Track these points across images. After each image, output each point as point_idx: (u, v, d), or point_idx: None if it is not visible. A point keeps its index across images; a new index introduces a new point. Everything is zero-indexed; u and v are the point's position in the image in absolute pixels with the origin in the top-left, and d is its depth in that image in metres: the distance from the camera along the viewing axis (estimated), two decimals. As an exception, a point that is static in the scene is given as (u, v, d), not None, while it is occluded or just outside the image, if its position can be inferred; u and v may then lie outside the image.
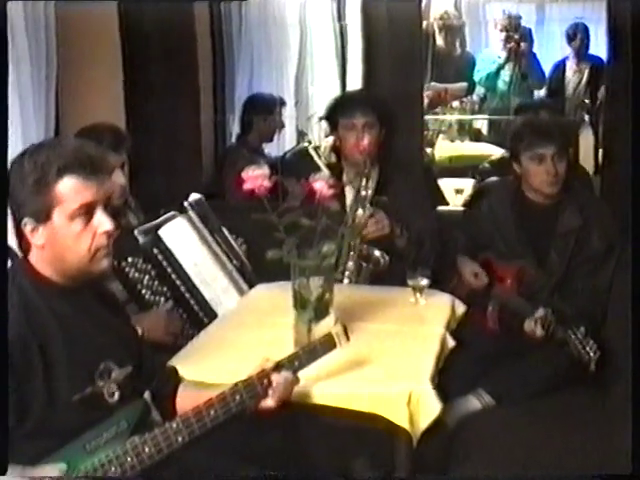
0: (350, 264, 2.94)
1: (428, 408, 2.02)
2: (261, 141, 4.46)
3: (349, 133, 3.13)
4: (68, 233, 1.69)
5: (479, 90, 6.37)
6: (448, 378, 2.32)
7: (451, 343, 2.39)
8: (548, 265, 2.96)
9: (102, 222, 1.72)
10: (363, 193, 2.99)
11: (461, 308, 2.65)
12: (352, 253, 2.94)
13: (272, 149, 4.66)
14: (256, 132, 4.41)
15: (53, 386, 1.66)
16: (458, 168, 5.34)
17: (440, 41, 6.57)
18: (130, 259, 2.60)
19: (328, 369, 2.04)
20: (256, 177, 2.14)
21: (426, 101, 5.56)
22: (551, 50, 7.20)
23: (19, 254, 1.81)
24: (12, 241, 1.83)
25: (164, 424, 1.74)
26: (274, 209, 2.16)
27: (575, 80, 6.08)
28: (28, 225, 1.69)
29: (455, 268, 3.03)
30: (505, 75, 6.18)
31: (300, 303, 2.19)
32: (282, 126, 4.62)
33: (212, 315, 2.68)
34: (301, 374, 1.92)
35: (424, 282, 2.60)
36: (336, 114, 3.23)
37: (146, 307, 2.61)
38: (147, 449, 1.68)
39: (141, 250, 2.63)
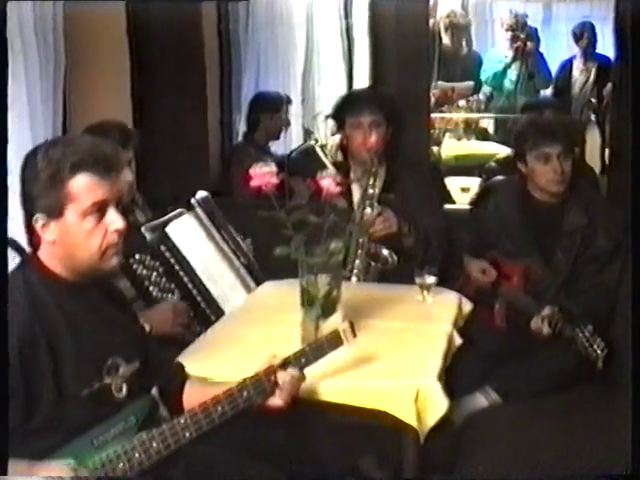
0: (358, 262, 2.94)
1: (435, 405, 2.02)
2: (268, 139, 4.46)
3: (356, 131, 3.13)
4: (80, 230, 1.70)
5: (485, 89, 6.37)
6: (455, 376, 2.33)
7: (458, 341, 2.40)
8: (554, 263, 2.96)
9: (114, 220, 1.72)
10: (370, 191, 2.99)
11: (468, 306, 2.66)
12: (360, 252, 2.94)
13: (279, 147, 4.66)
14: (263, 130, 4.41)
15: (61, 382, 1.67)
16: (464, 167, 5.33)
17: (446, 40, 6.56)
18: (138, 256, 2.61)
19: (335, 366, 2.04)
20: (264, 174, 2.14)
21: (433, 100, 5.55)
22: (558, 49, 7.19)
23: (28, 250, 1.82)
24: (22, 236, 1.84)
25: (172, 420, 1.75)
26: (281, 207, 2.16)
27: (582, 79, 6.07)
28: (40, 220, 1.70)
29: (462, 266, 3.04)
30: (512, 74, 6.18)
31: (308, 300, 2.19)
32: (288, 124, 4.62)
33: (219, 312, 2.69)
34: (308, 371, 1.92)
35: (431, 280, 2.60)
36: (343, 112, 3.23)
37: (153, 304, 2.61)
38: (155, 445, 1.69)
39: (149, 247, 2.64)
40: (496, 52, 6.51)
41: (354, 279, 2.92)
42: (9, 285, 1.73)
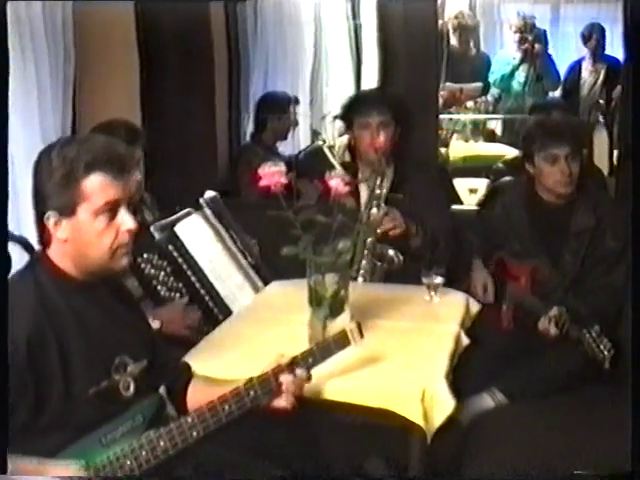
0: (364, 263, 2.95)
1: (442, 405, 2.02)
2: (275, 139, 4.47)
3: (364, 132, 3.14)
4: (91, 229, 1.71)
5: (494, 90, 6.37)
6: (462, 376, 2.33)
7: (465, 341, 2.40)
8: (562, 264, 2.96)
9: (125, 220, 1.73)
10: (377, 192, 3.00)
11: (475, 306, 2.66)
12: (366, 252, 2.95)
13: (286, 148, 4.67)
14: (270, 130, 4.42)
15: (70, 380, 1.67)
16: (472, 168, 5.32)
17: (454, 41, 6.56)
18: (146, 255, 2.62)
19: (342, 366, 2.04)
20: (272, 174, 2.15)
21: (441, 101, 5.55)
22: (566, 51, 7.18)
23: (37, 248, 1.83)
24: (32, 234, 1.85)
25: (179, 419, 1.76)
26: (289, 206, 2.16)
27: (591, 81, 6.06)
28: (51, 218, 1.70)
29: (470, 268, 3.03)
30: (520, 76, 6.17)
31: (315, 300, 2.20)
32: (296, 124, 4.63)
33: (227, 312, 2.70)
34: (315, 371, 1.92)
35: (439, 280, 2.61)
36: (351, 113, 3.23)
37: (161, 303, 2.63)
38: (162, 443, 1.69)
39: (157, 246, 2.65)
40: (504, 54, 6.50)
41: (360, 279, 2.93)
42: (18, 283, 1.75)
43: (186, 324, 2.56)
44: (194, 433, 1.73)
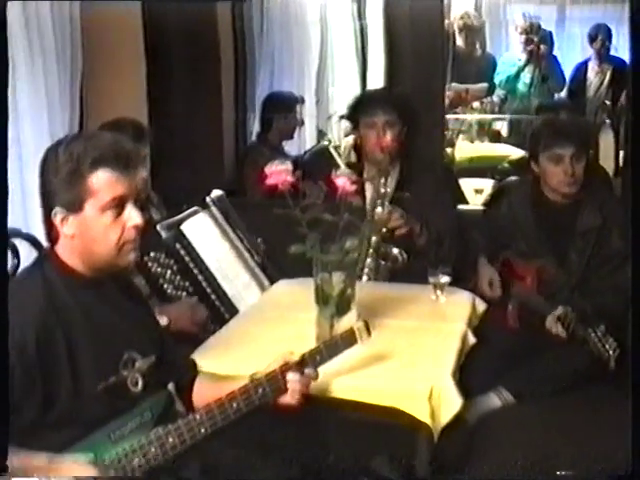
0: (369, 261, 2.95)
1: (449, 403, 2.03)
2: (281, 139, 4.47)
3: (370, 131, 3.14)
4: (98, 225, 1.71)
5: (499, 91, 6.37)
6: (468, 375, 2.33)
7: (472, 340, 2.40)
8: (568, 264, 2.96)
9: (132, 216, 1.73)
10: (382, 190, 3.00)
11: (482, 306, 2.67)
12: (371, 251, 2.95)
13: (292, 148, 4.68)
14: (276, 130, 4.42)
15: (78, 375, 1.68)
16: (477, 168, 5.32)
17: (460, 42, 6.56)
18: (153, 254, 2.63)
19: (350, 364, 2.05)
20: (279, 172, 2.15)
21: (446, 101, 5.55)
22: (572, 52, 7.18)
23: (45, 245, 1.83)
24: (40, 232, 1.85)
25: (187, 415, 1.76)
26: (296, 205, 2.17)
27: (597, 82, 6.06)
28: (59, 214, 1.71)
29: (476, 267, 3.04)
30: (525, 77, 6.17)
31: (322, 298, 2.20)
32: (302, 124, 4.63)
33: (233, 310, 2.70)
34: (323, 369, 1.92)
35: (445, 279, 2.61)
36: (357, 112, 3.24)
37: (168, 301, 2.63)
38: (171, 439, 1.70)
39: (164, 245, 2.65)
40: (510, 55, 6.51)
41: (365, 278, 2.93)
42: (26, 280, 1.76)
43: (193, 322, 2.56)
44: (202, 430, 1.74)
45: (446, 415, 2.03)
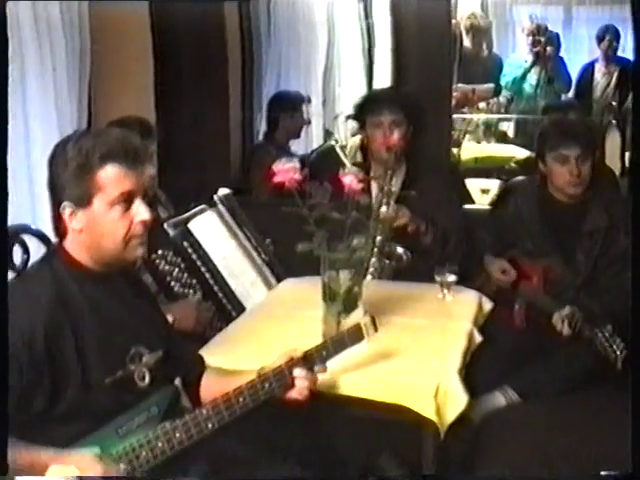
0: (374, 260, 2.95)
1: (455, 400, 2.03)
2: (288, 138, 4.48)
3: (376, 130, 3.15)
4: (106, 220, 1.72)
5: (506, 92, 6.37)
6: (474, 374, 2.33)
7: (478, 338, 2.41)
8: (574, 264, 2.96)
9: (140, 211, 1.74)
10: (386, 188, 3.00)
11: (488, 305, 2.67)
12: (375, 250, 2.95)
13: (299, 147, 4.69)
14: (283, 129, 4.43)
15: (86, 369, 1.69)
16: (483, 169, 5.33)
17: (467, 42, 6.56)
18: (160, 252, 2.63)
19: (356, 361, 2.06)
20: (287, 170, 2.16)
21: (453, 102, 5.55)
22: (579, 53, 7.18)
23: (53, 240, 1.84)
24: (48, 227, 1.87)
25: (194, 410, 1.77)
26: (303, 203, 2.17)
27: (604, 82, 6.05)
28: (67, 209, 1.72)
29: (482, 266, 3.04)
30: (531, 79, 6.18)
31: (329, 296, 2.21)
32: (309, 123, 4.64)
33: (240, 308, 2.71)
34: (329, 365, 1.93)
35: (451, 278, 2.62)
36: (364, 112, 3.25)
37: (175, 299, 2.64)
38: (178, 434, 1.71)
39: (171, 243, 2.66)
40: (516, 57, 6.52)
41: (369, 277, 2.93)
42: (35, 274, 1.78)
43: (198, 321, 2.57)
44: (209, 425, 1.74)
45: (452, 413, 2.03)
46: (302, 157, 4.28)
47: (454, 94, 5.63)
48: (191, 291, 2.69)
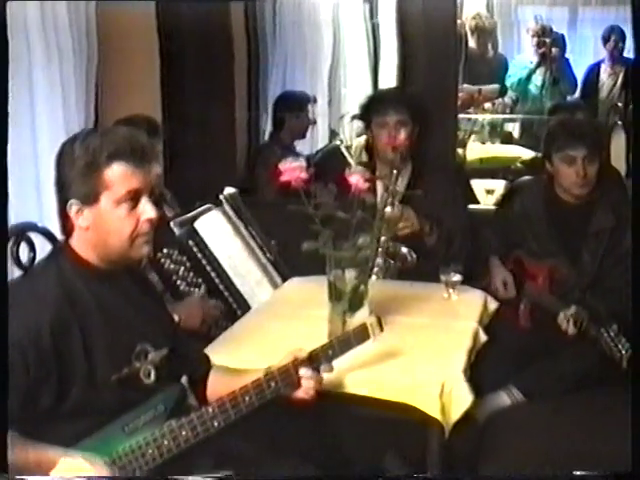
0: (379, 260, 2.95)
1: (460, 399, 2.04)
2: (293, 138, 4.48)
3: (382, 131, 3.15)
4: (113, 217, 1.73)
5: (511, 92, 6.37)
6: (479, 373, 2.33)
7: (483, 338, 2.41)
8: (580, 264, 2.96)
9: (147, 210, 1.75)
10: (391, 188, 3.00)
11: (493, 304, 2.67)
12: (380, 250, 2.96)
13: (304, 147, 4.69)
14: (288, 129, 4.44)
15: (92, 366, 1.70)
16: (489, 169, 5.33)
17: (472, 43, 6.56)
18: (166, 250, 2.64)
19: (362, 360, 2.06)
20: (294, 169, 2.16)
21: (459, 102, 5.55)
22: (585, 53, 7.17)
23: (60, 238, 1.85)
24: (54, 224, 1.87)
25: (200, 409, 1.77)
26: (309, 202, 2.18)
27: (610, 83, 6.05)
28: (74, 206, 1.72)
29: (487, 266, 3.04)
30: (536, 80, 6.18)
31: (335, 295, 2.21)
32: (314, 123, 4.65)
33: (246, 307, 2.72)
34: (335, 364, 1.93)
35: (456, 278, 2.62)
36: (369, 112, 3.25)
37: (181, 298, 2.65)
38: (184, 432, 1.71)
39: (177, 242, 2.67)
40: (521, 58, 6.52)
41: (374, 277, 2.93)
42: (41, 272, 1.78)
43: (204, 320, 2.57)
44: (215, 423, 1.74)
45: (457, 411, 2.04)
46: (307, 157, 4.29)
47: (459, 94, 5.64)
48: (196, 290, 2.70)
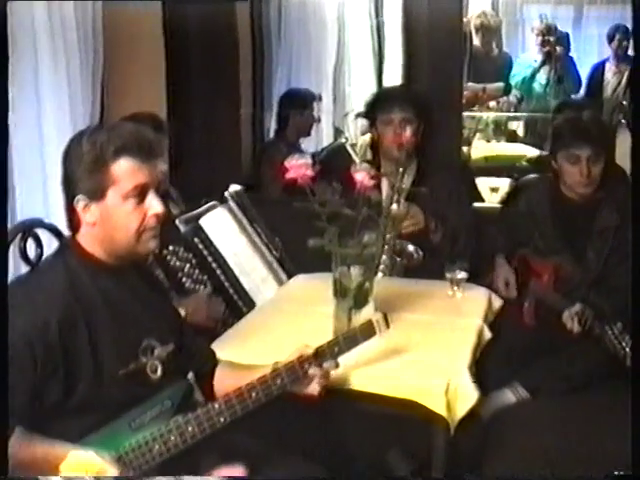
0: (384, 258, 2.96)
1: (465, 396, 2.04)
2: (298, 136, 4.49)
3: (387, 128, 3.16)
4: (120, 212, 1.73)
5: (515, 91, 6.37)
6: (484, 371, 2.34)
7: (488, 335, 2.41)
8: (585, 262, 2.96)
9: (153, 205, 1.75)
10: (397, 185, 3.01)
11: (498, 302, 2.68)
12: (386, 247, 2.96)
13: (309, 145, 4.70)
14: (293, 127, 4.44)
15: (99, 362, 1.70)
16: (493, 167, 5.33)
17: (477, 41, 6.56)
18: (171, 248, 2.64)
19: (367, 357, 2.06)
20: (300, 166, 2.16)
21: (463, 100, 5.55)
22: (589, 52, 7.16)
23: (66, 233, 1.86)
24: (60, 221, 1.88)
25: (207, 404, 1.78)
26: (314, 199, 2.18)
27: (614, 82, 6.05)
28: (81, 202, 1.73)
29: (492, 264, 3.05)
30: (541, 78, 6.18)
31: (340, 292, 2.21)
32: (319, 121, 4.66)
33: (251, 304, 2.72)
34: (341, 361, 1.93)
35: (461, 275, 2.62)
36: (374, 110, 3.25)
37: (186, 295, 2.65)
38: (190, 428, 1.72)
39: (182, 239, 2.67)
40: (525, 57, 6.51)
41: (380, 274, 2.94)
42: (49, 268, 1.79)
43: (209, 316, 2.58)
44: (221, 419, 1.75)
45: (462, 408, 2.04)
46: (313, 154, 4.29)
47: (464, 93, 5.63)
48: (202, 287, 2.70)
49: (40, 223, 2.09)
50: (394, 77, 5.21)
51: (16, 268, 2.12)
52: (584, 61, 6.63)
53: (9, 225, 2.20)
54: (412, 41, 4.36)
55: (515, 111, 6.38)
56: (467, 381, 2.06)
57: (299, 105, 4.45)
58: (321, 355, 1.89)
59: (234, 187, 2.92)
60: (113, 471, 1.57)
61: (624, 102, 5.93)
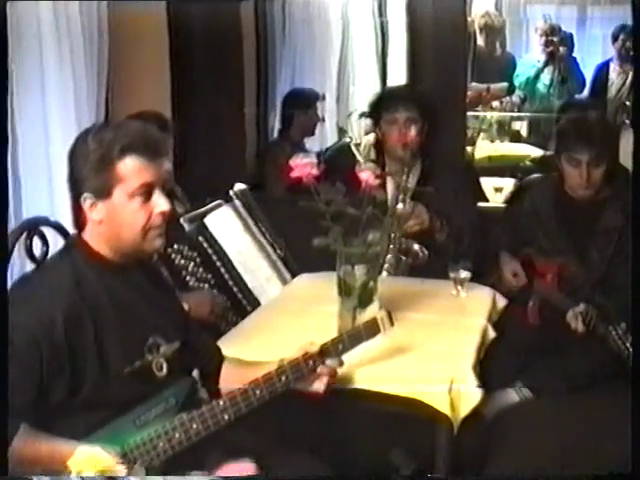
0: (390, 257, 2.96)
1: (469, 395, 2.05)
2: (302, 135, 4.50)
3: (391, 128, 3.16)
4: (126, 211, 1.74)
5: (519, 91, 6.37)
6: (488, 371, 2.34)
7: (492, 334, 2.41)
8: (589, 262, 2.96)
9: (160, 203, 1.76)
10: (402, 185, 3.01)
11: (502, 302, 2.68)
12: (392, 246, 2.96)
13: (313, 144, 4.70)
14: (297, 126, 4.45)
15: (105, 359, 1.71)
16: (497, 167, 5.33)
17: (481, 41, 6.55)
18: (176, 246, 2.66)
19: (371, 355, 2.07)
20: (304, 165, 2.17)
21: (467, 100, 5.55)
22: (593, 52, 7.15)
23: (72, 231, 1.86)
24: (66, 218, 1.89)
25: (211, 402, 1.78)
26: (319, 198, 2.18)
27: (619, 82, 6.04)
28: (87, 200, 1.74)
29: (497, 264, 3.05)
30: (545, 79, 6.17)
31: (345, 291, 2.22)
32: (323, 120, 4.66)
33: (255, 303, 2.73)
34: (345, 359, 1.94)
35: (465, 274, 2.62)
36: (379, 109, 3.26)
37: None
38: (195, 426, 1.73)
39: (187, 237, 2.68)
40: (529, 57, 6.50)
41: (385, 273, 2.94)
42: (55, 266, 1.80)
43: (212, 311, 2.58)
44: (226, 416, 1.76)
45: (466, 407, 2.05)
46: (318, 154, 4.29)
47: (468, 92, 5.63)
48: (206, 286, 2.71)
49: (46, 221, 2.10)
50: (398, 77, 5.20)
51: (22, 266, 2.13)
52: (588, 61, 6.61)
53: (14, 224, 2.22)
54: (416, 41, 4.35)
55: (519, 111, 6.37)
56: (471, 380, 2.06)
57: (303, 105, 4.45)
58: (326, 353, 1.89)
59: (239, 186, 2.93)
60: (119, 467, 1.58)
61: (628, 102, 5.93)
